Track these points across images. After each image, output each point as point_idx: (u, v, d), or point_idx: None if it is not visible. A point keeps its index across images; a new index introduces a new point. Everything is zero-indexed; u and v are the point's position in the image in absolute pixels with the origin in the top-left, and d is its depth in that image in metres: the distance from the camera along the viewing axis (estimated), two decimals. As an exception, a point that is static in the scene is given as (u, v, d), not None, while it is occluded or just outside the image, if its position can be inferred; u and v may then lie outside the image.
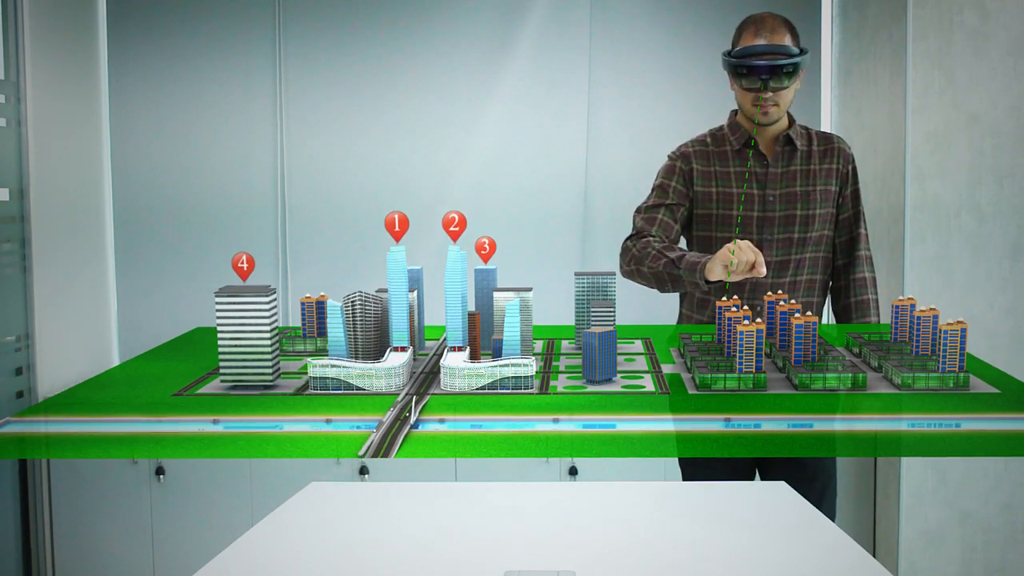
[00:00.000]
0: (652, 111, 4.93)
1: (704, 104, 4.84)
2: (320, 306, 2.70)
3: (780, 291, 3.06)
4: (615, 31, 4.95)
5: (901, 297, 2.55)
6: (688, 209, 3.14)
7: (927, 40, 4.14)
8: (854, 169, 3.18)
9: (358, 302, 2.46)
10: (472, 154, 4.95)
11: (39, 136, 4.42)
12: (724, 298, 2.58)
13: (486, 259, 2.51)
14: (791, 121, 3.15)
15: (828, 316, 3.36)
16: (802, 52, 2.99)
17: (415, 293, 2.59)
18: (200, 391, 2.37)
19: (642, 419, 2.15)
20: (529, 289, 2.55)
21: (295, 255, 5.02)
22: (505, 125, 4.92)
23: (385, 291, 2.51)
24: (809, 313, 2.40)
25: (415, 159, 4.96)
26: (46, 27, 4.53)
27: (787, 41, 2.98)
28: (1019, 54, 4.12)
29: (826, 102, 4.95)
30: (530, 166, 4.94)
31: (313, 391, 2.33)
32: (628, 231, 4.86)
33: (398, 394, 2.28)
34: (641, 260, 2.96)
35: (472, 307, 2.64)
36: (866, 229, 3.21)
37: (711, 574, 1.86)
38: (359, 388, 2.32)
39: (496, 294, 2.51)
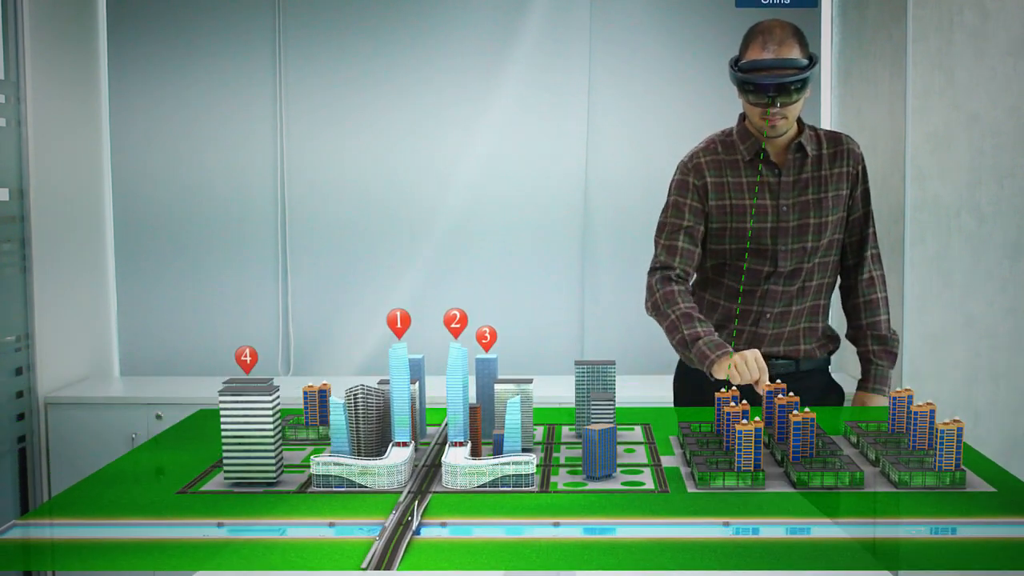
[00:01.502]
0: (652, 113, 4.89)
1: (705, 106, 4.81)
2: (323, 395, 2.71)
3: (790, 297, 3.10)
4: (615, 33, 4.88)
5: (899, 389, 2.56)
6: (705, 224, 3.12)
7: (927, 40, 4.09)
8: (864, 168, 3.13)
9: (360, 396, 2.47)
10: (472, 155, 4.94)
11: (39, 136, 4.42)
12: (724, 389, 2.59)
13: (487, 348, 2.52)
14: (801, 126, 3.09)
15: (834, 315, 3.34)
16: (812, 62, 2.92)
17: (416, 384, 2.59)
18: (204, 488, 2.40)
19: (642, 523, 2.17)
20: (530, 380, 2.55)
21: (295, 255, 5.04)
22: (505, 127, 4.90)
23: (387, 382, 2.51)
24: (807, 409, 2.41)
25: (415, 160, 4.96)
26: (46, 27, 4.49)
27: (795, 53, 2.90)
28: (1019, 54, 4.08)
29: (826, 102, 4.91)
30: (530, 168, 4.93)
31: (316, 488, 2.35)
32: (628, 232, 4.89)
33: (401, 492, 2.31)
34: (661, 318, 3.01)
35: (473, 396, 2.65)
36: (874, 227, 3.18)
37: None
38: (361, 485, 2.34)
39: (497, 386, 2.52)
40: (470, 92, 4.95)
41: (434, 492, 2.31)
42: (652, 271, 3.14)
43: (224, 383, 2.38)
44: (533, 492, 2.31)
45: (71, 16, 4.80)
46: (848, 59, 4.77)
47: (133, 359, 5.12)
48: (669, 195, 3.17)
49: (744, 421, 2.31)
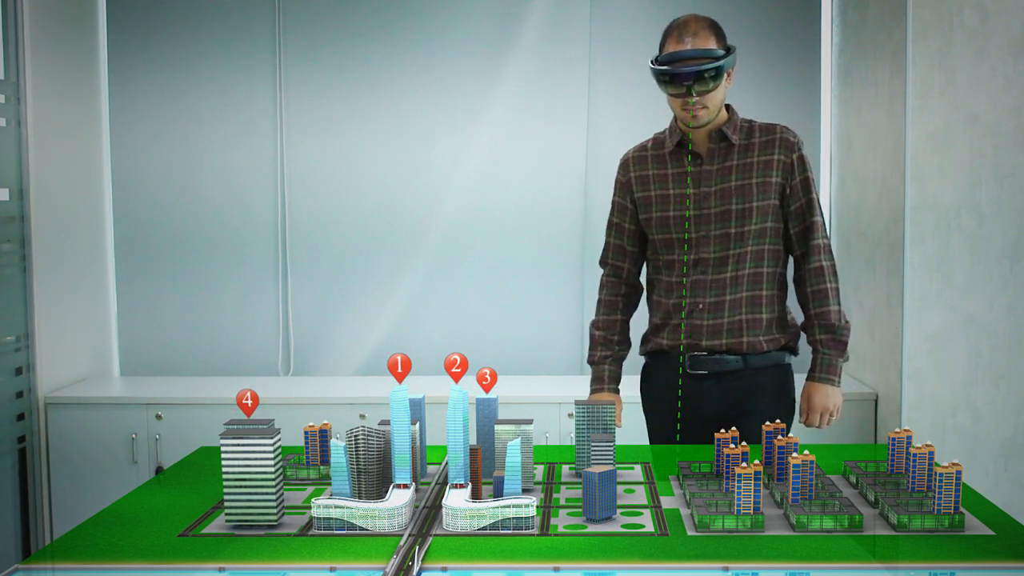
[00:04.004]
0: (653, 115, 4.85)
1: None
2: (323, 434, 2.72)
3: (721, 286, 3.12)
4: (615, 35, 4.86)
5: (898, 429, 2.56)
6: (636, 217, 3.22)
7: (927, 40, 4.07)
8: (801, 158, 3.11)
9: (361, 437, 2.47)
10: (472, 157, 4.94)
11: (39, 136, 4.42)
12: (723, 431, 2.59)
13: (487, 389, 2.52)
14: (729, 114, 3.13)
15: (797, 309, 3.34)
16: (728, 52, 2.98)
17: (417, 425, 2.60)
18: (205, 530, 2.40)
19: (642, 567, 2.18)
20: (529, 421, 2.56)
21: (295, 255, 5.04)
22: (505, 129, 4.90)
23: (387, 423, 2.52)
24: (807, 452, 2.41)
25: (415, 162, 4.97)
26: (46, 27, 4.48)
27: (711, 44, 2.97)
28: (1019, 54, 4.06)
29: (826, 102, 4.89)
30: (531, 169, 4.93)
31: (317, 531, 2.36)
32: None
33: (401, 535, 2.31)
34: (595, 316, 3.34)
35: (473, 436, 2.66)
36: (822, 217, 3.16)
37: None
38: (362, 528, 2.34)
39: (497, 427, 2.52)
40: (470, 95, 4.94)
41: (435, 535, 2.32)
42: (600, 266, 3.35)
43: (226, 425, 2.38)
44: (533, 535, 2.32)
45: (71, 16, 4.77)
46: (848, 59, 4.74)
47: (133, 359, 5.13)
48: None
49: (744, 464, 2.32)
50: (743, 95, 4.96)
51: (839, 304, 3.16)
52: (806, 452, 2.41)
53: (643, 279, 3.37)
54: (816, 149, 5.00)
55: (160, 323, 5.09)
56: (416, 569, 2.13)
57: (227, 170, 5.02)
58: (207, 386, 4.80)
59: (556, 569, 2.15)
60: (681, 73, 2.93)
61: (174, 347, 5.10)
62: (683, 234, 3.11)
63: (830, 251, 3.19)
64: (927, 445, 2.44)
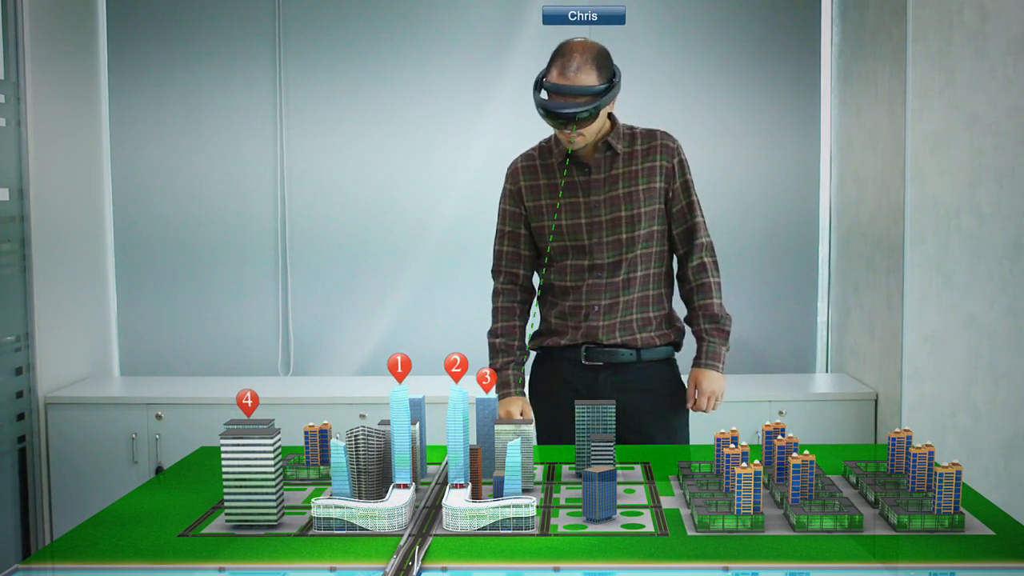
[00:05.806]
0: (651, 115, 4.84)
1: (704, 110, 4.80)
2: (323, 434, 2.72)
3: (615, 289, 3.20)
4: (613, 35, 4.84)
5: (898, 429, 2.57)
6: (527, 226, 3.30)
7: (927, 40, 4.07)
8: (681, 162, 3.23)
9: (361, 437, 2.48)
10: (471, 158, 4.95)
11: (39, 136, 4.41)
12: (724, 430, 2.59)
13: (487, 389, 2.53)
14: (613, 124, 3.20)
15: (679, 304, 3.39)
16: (609, 84, 3.02)
17: (417, 425, 2.60)
18: (205, 530, 2.40)
19: (642, 567, 2.18)
20: (530, 421, 2.56)
21: (295, 255, 5.04)
22: (504, 132, 4.90)
23: (387, 423, 2.52)
24: (807, 452, 2.42)
25: (415, 163, 4.97)
26: (46, 27, 4.48)
27: (591, 79, 3.00)
28: (1019, 54, 4.06)
29: (826, 103, 4.89)
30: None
31: (317, 531, 2.36)
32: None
33: (401, 535, 2.31)
34: (492, 325, 3.34)
35: (473, 436, 2.66)
36: (703, 216, 3.27)
37: None
38: (362, 528, 2.34)
39: (497, 427, 2.52)
40: (470, 96, 4.95)
41: (435, 535, 2.32)
42: (493, 277, 3.43)
43: (226, 425, 2.39)
44: (533, 535, 2.32)
45: (71, 16, 4.77)
46: (848, 59, 4.74)
47: (133, 359, 5.13)
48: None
49: (744, 464, 2.32)
50: (744, 95, 4.97)
51: (720, 298, 3.29)
52: (806, 452, 2.41)
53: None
54: (816, 149, 5.00)
55: (160, 323, 5.10)
56: (416, 569, 2.14)
57: (227, 171, 5.02)
58: (207, 386, 4.80)
59: (556, 569, 2.15)
60: (558, 113, 3.00)
61: (174, 347, 5.11)
62: (576, 241, 3.20)
63: (712, 248, 3.30)
64: (927, 445, 2.44)
